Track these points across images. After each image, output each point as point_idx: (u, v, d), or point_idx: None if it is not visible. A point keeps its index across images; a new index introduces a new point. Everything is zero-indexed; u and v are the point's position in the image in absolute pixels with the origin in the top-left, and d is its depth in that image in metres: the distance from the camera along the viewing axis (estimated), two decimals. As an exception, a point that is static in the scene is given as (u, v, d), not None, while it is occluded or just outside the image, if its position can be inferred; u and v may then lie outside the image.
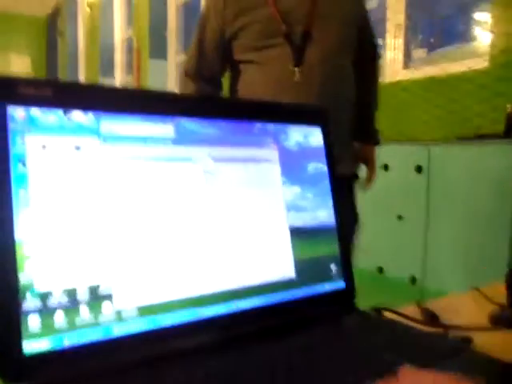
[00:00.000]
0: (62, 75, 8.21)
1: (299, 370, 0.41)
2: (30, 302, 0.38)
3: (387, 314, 0.57)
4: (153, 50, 5.12)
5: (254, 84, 1.24)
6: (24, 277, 0.38)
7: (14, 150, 0.39)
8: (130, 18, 5.58)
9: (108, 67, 6.53)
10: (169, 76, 4.89)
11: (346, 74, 1.29)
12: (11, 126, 0.39)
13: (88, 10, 6.73)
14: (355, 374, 0.41)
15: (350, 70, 1.30)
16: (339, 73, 1.26)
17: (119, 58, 6.09)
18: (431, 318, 0.58)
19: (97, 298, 0.41)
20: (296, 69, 1.19)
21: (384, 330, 0.51)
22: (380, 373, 0.39)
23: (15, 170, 0.39)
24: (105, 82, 6.52)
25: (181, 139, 0.48)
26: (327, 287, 0.55)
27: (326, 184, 0.57)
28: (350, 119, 1.31)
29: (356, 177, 1.42)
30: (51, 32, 9.76)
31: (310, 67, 1.20)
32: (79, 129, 0.42)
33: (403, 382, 0.32)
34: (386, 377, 0.34)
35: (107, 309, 0.41)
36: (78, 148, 0.42)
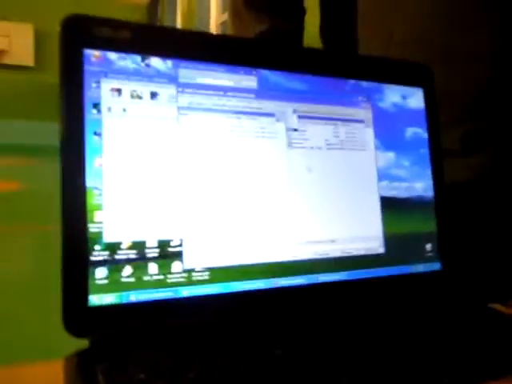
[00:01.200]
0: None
1: (377, 350, 0.36)
2: (98, 253, 0.36)
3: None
4: (246, 33, 5.12)
5: None
6: (93, 226, 0.36)
7: (89, 93, 0.37)
8: (225, 3, 5.62)
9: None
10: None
11: None
12: (86, 69, 0.37)
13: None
14: (448, 365, 0.35)
15: None
16: None
17: (214, 42, 6.19)
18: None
19: (166, 254, 0.38)
20: None
21: (489, 321, 0.44)
22: (484, 368, 0.32)
23: (89, 114, 0.37)
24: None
25: (264, 92, 0.43)
26: (421, 268, 0.49)
27: (426, 152, 0.50)
28: None
29: None
30: (151, 20, 10.18)
31: None
32: (156, 76, 0.40)
33: None
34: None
35: (177, 267, 0.38)
36: (154, 96, 0.39)
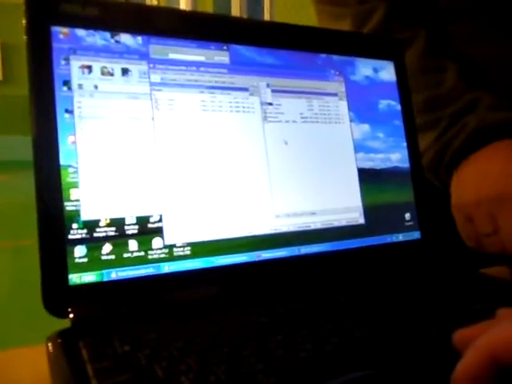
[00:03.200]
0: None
1: (363, 313, 0.36)
2: (76, 231, 0.35)
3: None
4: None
5: None
6: (70, 204, 0.35)
7: (58, 71, 0.37)
8: (195, 7, 5.63)
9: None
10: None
11: None
12: (55, 46, 0.37)
13: (155, 1, 6.88)
14: (435, 321, 0.35)
15: None
16: None
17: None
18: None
19: (146, 231, 0.37)
20: None
21: (470, 282, 0.44)
22: (469, 320, 0.33)
23: (59, 91, 0.36)
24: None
25: (236, 67, 0.43)
26: (401, 237, 0.49)
27: (400, 123, 0.51)
28: None
29: None
30: None
31: None
32: (127, 52, 0.39)
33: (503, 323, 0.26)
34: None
35: (157, 243, 0.38)
36: (125, 72, 0.39)
